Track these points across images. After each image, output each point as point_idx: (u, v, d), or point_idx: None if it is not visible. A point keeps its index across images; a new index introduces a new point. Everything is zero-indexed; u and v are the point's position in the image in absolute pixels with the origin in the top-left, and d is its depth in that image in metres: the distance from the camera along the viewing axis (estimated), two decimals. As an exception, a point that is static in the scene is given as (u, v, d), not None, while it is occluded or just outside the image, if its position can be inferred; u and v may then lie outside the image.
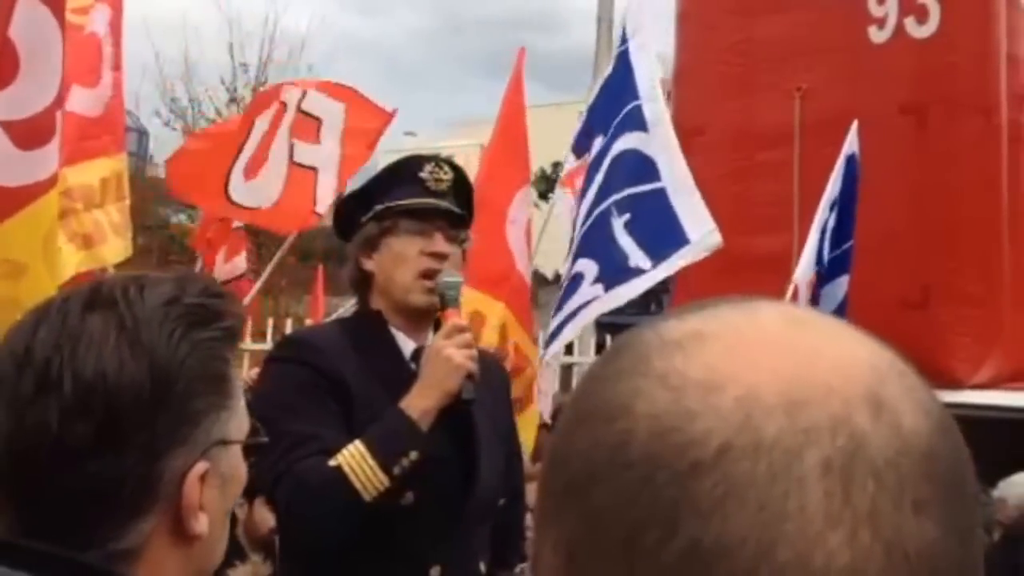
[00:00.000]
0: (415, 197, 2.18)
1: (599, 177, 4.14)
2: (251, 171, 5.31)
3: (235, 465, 1.01)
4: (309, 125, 5.30)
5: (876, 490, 0.42)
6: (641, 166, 3.96)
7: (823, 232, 4.56)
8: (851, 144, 4.71)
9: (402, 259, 2.16)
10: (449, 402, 2.04)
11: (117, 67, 4.56)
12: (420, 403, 2.02)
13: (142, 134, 23.50)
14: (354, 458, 1.97)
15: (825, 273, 4.62)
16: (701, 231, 3.77)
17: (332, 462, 1.97)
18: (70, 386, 0.90)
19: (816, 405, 0.43)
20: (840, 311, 4.65)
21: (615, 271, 3.92)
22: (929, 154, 6.47)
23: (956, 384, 6.12)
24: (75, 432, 0.90)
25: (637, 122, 4.04)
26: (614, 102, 4.25)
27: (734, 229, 7.05)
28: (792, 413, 0.43)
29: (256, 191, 5.32)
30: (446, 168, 2.23)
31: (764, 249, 6.26)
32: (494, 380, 2.31)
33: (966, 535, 0.45)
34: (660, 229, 3.84)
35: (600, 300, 3.97)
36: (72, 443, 0.90)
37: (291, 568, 2.23)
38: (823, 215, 4.58)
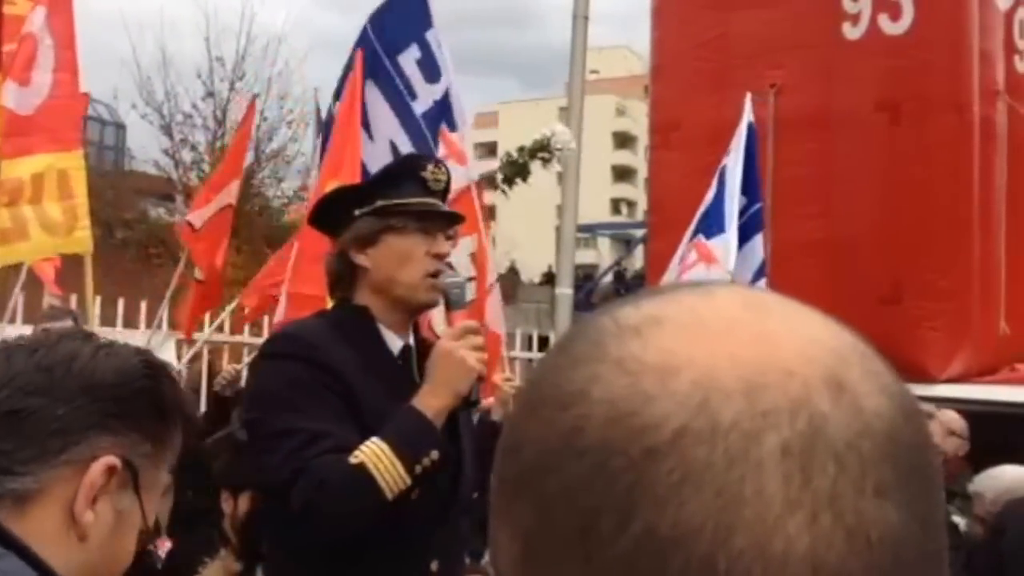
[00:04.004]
0: (418, 196, 2.21)
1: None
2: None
3: (132, 512, 1.06)
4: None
5: (837, 473, 0.41)
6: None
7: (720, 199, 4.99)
8: (747, 114, 5.27)
9: (408, 258, 2.17)
10: (458, 403, 2.07)
11: (65, 69, 4.51)
12: (434, 403, 2.04)
13: (120, 128, 23.20)
14: (378, 457, 1.96)
15: (739, 235, 4.97)
16: None
17: (353, 460, 1.95)
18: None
19: (775, 388, 0.42)
20: (760, 271, 5.08)
21: None
22: (902, 150, 6.51)
23: (928, 378, 6.16)
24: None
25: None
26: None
27: (709, 224, 7.09)
28: (751, 396, 0.42)
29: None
30: (443, 169, 2.30)
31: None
32: None
33: (929, 520, 0.44)
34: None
35: None
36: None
37: (288, 565, 2.16)
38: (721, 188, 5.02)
